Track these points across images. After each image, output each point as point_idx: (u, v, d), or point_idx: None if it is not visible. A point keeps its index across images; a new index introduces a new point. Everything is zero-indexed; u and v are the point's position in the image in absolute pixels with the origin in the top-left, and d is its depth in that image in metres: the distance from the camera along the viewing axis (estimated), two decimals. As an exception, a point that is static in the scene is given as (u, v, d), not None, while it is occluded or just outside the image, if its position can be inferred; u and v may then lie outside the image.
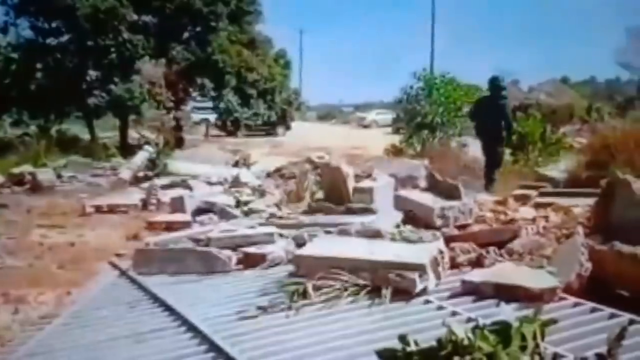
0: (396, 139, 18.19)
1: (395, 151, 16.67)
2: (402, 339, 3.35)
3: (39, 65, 23.18)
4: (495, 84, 11.11)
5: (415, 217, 6.76)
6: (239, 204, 8.81)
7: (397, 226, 6.47)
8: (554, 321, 3.45)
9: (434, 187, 7.36)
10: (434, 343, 3.35)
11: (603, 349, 3.19)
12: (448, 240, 5.55)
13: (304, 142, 27.68)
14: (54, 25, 23.67)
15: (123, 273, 6.10)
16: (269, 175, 12.49)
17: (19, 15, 23.79)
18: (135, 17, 23.13)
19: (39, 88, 22.51)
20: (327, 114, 65.26)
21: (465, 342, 3.17)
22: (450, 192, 6.94)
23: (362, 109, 59.59)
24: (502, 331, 3.27)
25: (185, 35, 25.85)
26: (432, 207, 6.66)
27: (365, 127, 46.60)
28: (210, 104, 28.91)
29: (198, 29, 25.45)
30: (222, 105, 26.47)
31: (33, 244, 7.79)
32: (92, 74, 23.16)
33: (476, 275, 4.66)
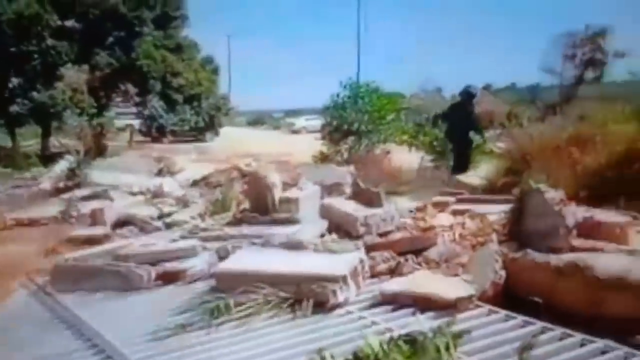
0: (325, 146, 18.28)
1: (323, 158, 16.76)
2: (320, 353, 3.37)
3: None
4: (467, 92, 12.02)
5: (339, 226, 6.80)
6: (161, 215, 8.64)
7: (322, 235, 6.50)
8: (467, 332, 3.55)
9: (358, 195, 7.41)
10: (350, 357, 3.38)
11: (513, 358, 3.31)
12: (369, 248, 5.61)
13: (233, 148, 27.39)
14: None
15: (39, 290, 5.91)
16: (194, 184, 12.29)
17: None
18: (59, 23, 22.46)
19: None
20: (257, 120, 64.91)
21: (381, 354, 3.21)
22: (372, 200, 7.00)
23: (292, 115, 59.61)
24: (416, 342, 3.33)
25: (110, 40, 25.26)
26: (355, 215, 6.70)
27: (295, 132, 46.66)
28: (134, 110, 28.28)
29: (122, 34, 24.92)
30: (146, 111, 25.91)
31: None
32: (15, 80, 22.34)
33: (394, 285, 4.72)
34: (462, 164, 11.97)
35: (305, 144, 19.82)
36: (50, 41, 22.13)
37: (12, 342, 4.57)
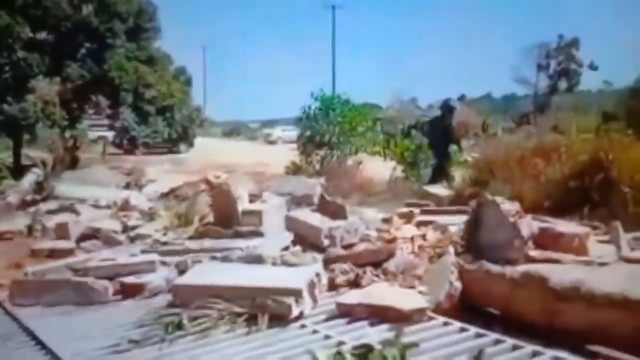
0: (298, 157, 18.32)
1: (295, 169, 16.80)
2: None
3: None
4: (447, 105, 12.62)
5: (304, 238, 6.79)
6: (125, 229, 8.55)
7: (286, 248, 6.48)
8: (415, 344, 3.55)
9: (323, 207, 7.42)
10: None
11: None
12: (330, 261, 5.62)
13: (207, 160, 27.28)
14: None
15: (-1, 304, 5.80)
16: (162, 196, 12.18)
17: None
18: (30, 35, 22.26)
19: None
20: (232, 130, 64.81)
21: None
22: (336, 212, 7.02)
23: (269, 125, 59.67)
24: (364, 355, 3.32)
25: (81, 52, 25.09)
26: (320, 227, 6.70)
27: (272, 143, 46.70)
28: (106, 122, 28.09)
29: (94, 46, 24.76)
30: (118, 123, 25.74)
31: None
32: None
33: (350, 297, 4.73)
34: (439, 175, 12.27)
35: (281, 155, 19.83)
36: (21, 53, 21.92)
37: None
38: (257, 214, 7.12)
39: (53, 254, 7.74)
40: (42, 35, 23.84)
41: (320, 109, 17.34)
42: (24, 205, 12.70)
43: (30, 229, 9.87)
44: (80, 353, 4.25)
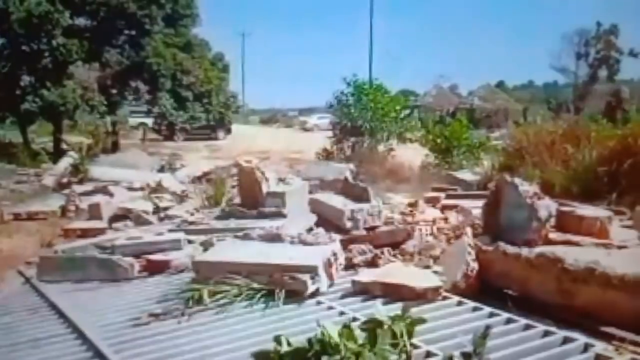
0: (330, 143, 18.35)
1: (327, 155, 16.86)
2: (276, 339, 3.43)
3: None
4: None
5: (328, 220, 6.88)
6: (157, 210, 8.76)
7: (310, 229, 6.57)
8: (423, 320, 3.59)
9: (347, 190, 7.48)
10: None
11: (470, 348, 3.34)
12: (349, 241, 5.69)
13: (244, 146, 27.58)
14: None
15: (27, 280, 6.02)
16: (195, 180, 12.43)
17: None
18: (69, 21, 22.65)
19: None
20: (270, 118, 65.22)
21: (335, 341, 3.26)
22: (360, 195, 7.07)
23: (305, 113, 59.87)
24: (372, 330, 3.38)
25: (120, 38, 25.44)
26: (342, 209, 6.78)
27: (307, 130, 46.85)
28: (145, 108, 28.51)
29: (132, 32, 25.08)
30: (156, 109, 26.09)
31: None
32: (26, 79, 22.59)
33: (366, 275, 4.79)
34: None
35: (316, 142, 19.90)
36: (60, 39, 22.24)
37: (3, 327, 4.71)
38: (281, 195, 7.23)
39: (85, 233, 8.00)
40: (81, 21, 24.19)
41: (352, 94, 17.29)
42: (59, 187, 13.12)
43: (63, 210, 10.22)
44: (101, 326, 4.40)
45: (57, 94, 21.83)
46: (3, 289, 5.97)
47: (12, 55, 22.87)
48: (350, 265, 5.28)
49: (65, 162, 14.51)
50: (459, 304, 4.43)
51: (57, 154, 21.42)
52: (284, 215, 6.94)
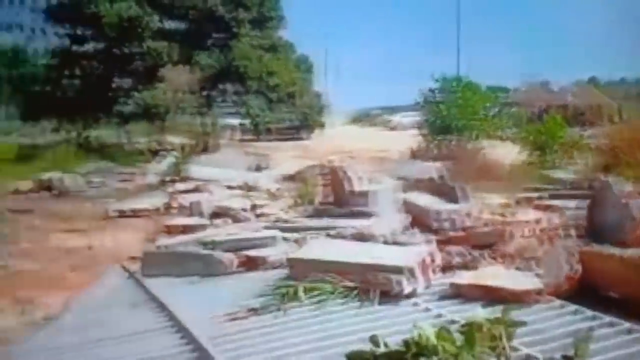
0: (417, 142, 18.18)
1: (413, 154, 16.70)
2: (373, 340, 3.44)
3: (67, 73, 23.72)
4: None
5: (418, 220, 6.85)
6: (253, 207, 8.99)
7: (399, 229, 6.57)
8: (522, 323, 3.53)
9: (436, 189, 7.44)
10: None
11: (571, 351, 3.26)
12: (443, 242, 5.64)
13: (329, 145, 27.69)
14: (79, 32, 24.17)
15: (131, 275, 6.30)
16: (287, 178, 12.67)
17: (47, 22, 24.37)
18: (158, 24, 23.47)
19: (68, 95, 23.04)
20: (355, 117, 65.13)
21: (433, 343, 3.25)
22: (451, 195, 7.01)
23: (388, 111, 59.38)
24: (471, 332, 3.34)
25: (208, 41, 26.12)
26: (432, 209, 6.74)
27: (392, 129, 46.49)
28: (233, 109, 29.18)
29: (220, 35, 25.70)
30: (244, 110, 26.68)
31: (50, 248, 8.08)
32: (118, 81, 23.58)
33: (464, 278, 4.74)
34: None
35: (401, 141, 19.76)
36: (150, 42, 23.05)
37: (98, 320, 4.95)
38: (371, 194, 7.26)
39: (186, 229, 8.30)
40: (170, 24, 24.97)
41: (440, 92, 17.06)
42: (161, 185, 13.70)
43: (166, 207, 10.66)
44: (201, 320, 4.52)
45: (148, 95, 22.65)
46: (108, 283, 6.25)
47: (105, 58, 23.88)
48: (447, 267, 5.24)
49: (167, 161, 15.15)
50: (561, 306, 4.31)
51: (156, 154, 22.32)
52: (374, 215, 6.97)
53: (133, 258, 7.07)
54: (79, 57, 24.31)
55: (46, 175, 14.55)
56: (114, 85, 23.82)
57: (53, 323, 5.07)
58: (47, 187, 13.98)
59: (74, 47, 24.58)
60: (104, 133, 26.57)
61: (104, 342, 4.38)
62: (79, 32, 24.23)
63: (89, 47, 24.51)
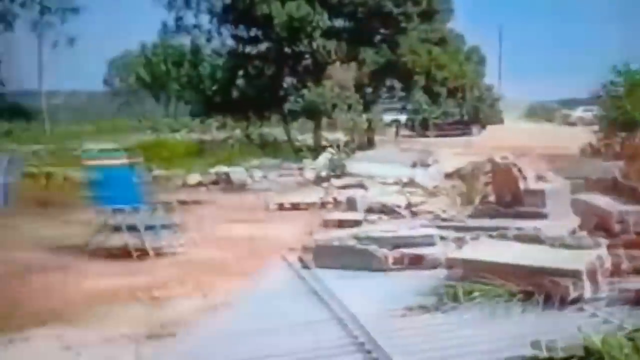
0: (595, 138, 16.94)
1: (593, 151, 15.58)
2: (535, 345, 3.29)
3: (240, 73, 25.12)
4: None
5: (592, 222, 6.39)
6: (409, 204, 8.91)
7: (573, 232, 6.15)
8: None
9: (616, 190, 6.88)
10: (580, 352, 3.25)
11: None
12: (617, 246, 5.21)
13: (498, 142, 26.68)
14: (252, 34, 25.43)
15: (300, 264, 6.42)
16: (447, 176, 12.41)
17: (221, 24, 25.94)
18: (328, 23, 24.05)
19: (241, 94, 24.41)
20: (530, 111, 62.15)
21: (599, 349, 3.08)
22: (631, 196, 6.44)
23: (568, 105, 55.89)
24: (638, 339, 3.13)
25: (376, 37, 26.28)
26: (611, 211, 6.25)
27: (571, 124, 43.71)
28: (398, 105, 29.17)
29: (388, 31, 25.76)
30: (410, 105, 26.55)
31: (218, 238, 8.57)
32: (288, 80, 24.52)
33: (635, 283, 4.34)
34: None
35: (580, 137, 18.52)
36: (320, 41, 23.67)
37: (271, 308, 5.11)
38: (540, 194, 6.85)
39: (342, 224, 8.47)
40: (339, 22, 25.47)
41: (622, 84, 15.72)
42: (319, 180, 14.10)
43: (323, 202, 10.94)
44: (359, 315, 4.50)
45: (316, 93, 23.32)
46: (275, 273, 6.45)
47: (276, 58, 24.93)
48: (617, 272, 4.82)
49: (324, 157, 15.54)
50: None
51: (316, 150, 23.01)
52: (543, 216, 6.57)
53: (292, 249, 7.25)
54: (252, 57, 25.58)
55: (213, 170, 15.63)
56: (284, 84, 24.80)
57: (229, 309, 5.31)
58: (214, 181, 14.99)
59: (247, 48, 25.91)
60: (266, 130, 27.87)
61: (277, 331, 4.49)
62: (252, 33, 25.50)
63: (262, 47, 25.70)
